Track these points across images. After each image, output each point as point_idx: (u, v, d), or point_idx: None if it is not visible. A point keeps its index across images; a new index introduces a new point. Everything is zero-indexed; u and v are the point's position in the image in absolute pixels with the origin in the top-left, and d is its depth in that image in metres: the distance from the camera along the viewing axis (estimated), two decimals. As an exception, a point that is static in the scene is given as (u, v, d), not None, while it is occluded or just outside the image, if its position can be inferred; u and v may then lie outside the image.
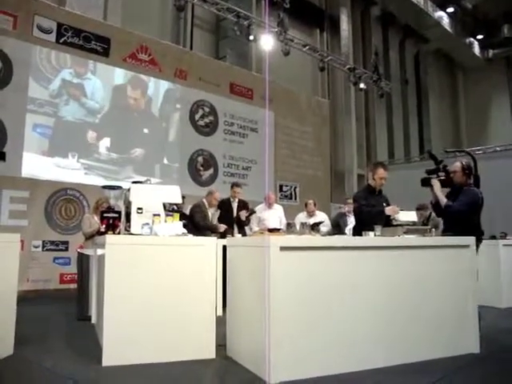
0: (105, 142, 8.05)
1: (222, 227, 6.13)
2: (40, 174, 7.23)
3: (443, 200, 4.35)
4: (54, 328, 4.59)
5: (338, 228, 7.18)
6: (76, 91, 7.78)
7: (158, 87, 8.92)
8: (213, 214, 6.40)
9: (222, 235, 5.90)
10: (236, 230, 6.47)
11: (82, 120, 7.82)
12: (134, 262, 3.35)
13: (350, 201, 6.57)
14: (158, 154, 8.78)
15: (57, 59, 7.60)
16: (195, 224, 6.04)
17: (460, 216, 4.24)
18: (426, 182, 4.52)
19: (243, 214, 6.55)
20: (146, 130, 8.64)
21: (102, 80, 8.13)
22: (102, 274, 3.54)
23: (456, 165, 4.43)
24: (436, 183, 4.41)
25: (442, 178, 4.43)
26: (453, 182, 4.44)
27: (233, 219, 6.57)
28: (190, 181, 9.16)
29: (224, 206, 6.64)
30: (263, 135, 10.37)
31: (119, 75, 8.40)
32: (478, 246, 4.35)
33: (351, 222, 6.62)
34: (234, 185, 6.89)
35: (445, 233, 4.32)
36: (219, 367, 3.31)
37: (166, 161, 8.90)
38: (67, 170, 7.53)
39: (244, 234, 6.42)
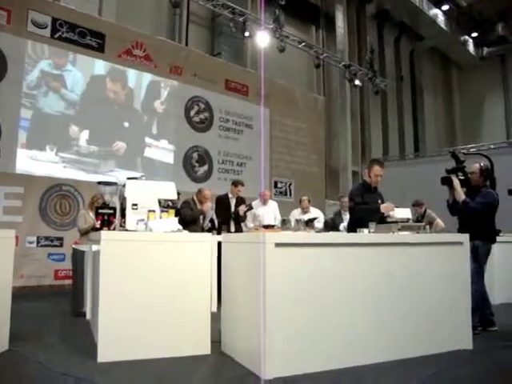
0: (85, 135, 7.86)
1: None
2: (35, 170, 7.20)
3: (462, 196, 4.44)
4: (49, 324, 4.59)
5: (333, 225, 7.19)
6: (55, 83, 7.62)
7: (152, 82, 8.86)
8: (207, 210, 6.39)
9: (218, 231, 5.91)
10: (232, 225, 6.47)
11: (62, 112, 7.66)
12: (129, 258, 3.35)
13: (345, 199, 6.60)
14: (145, 149, 8.69)
15: (34, 51, 7.41)
16: (182, 218, 6.03)
17: (474, 215, 4.37)
18: (446, 181, 4.59)
19: (242, 209, 6.53)
20: (128, 124, 8.51)
21: (85, 73, 7.98)
22: (97, 270, 3.54)
23: (475, 166, 4.57)
24: (456, 180, 4.52)
25: (461, 178, 4.54)
26: (470, 183, 4.54)
27: (230, 214, 6.57)
28: (185, 177, 9.15)
29: (221, 202, 6.63)
30: (258, 132, 10.36)
31: (111, 69, 8.31)
32: (490, 248, 4.44)
33: (347, 219, 6.64)
34: (239, 184, 6.74)
35: (460, 232, 4.38)
36: (214, 363, 3.33)
37: (160, 157, 8.86)
38: (45, 163, 7.37)
39: (240, 230, 6.41)
